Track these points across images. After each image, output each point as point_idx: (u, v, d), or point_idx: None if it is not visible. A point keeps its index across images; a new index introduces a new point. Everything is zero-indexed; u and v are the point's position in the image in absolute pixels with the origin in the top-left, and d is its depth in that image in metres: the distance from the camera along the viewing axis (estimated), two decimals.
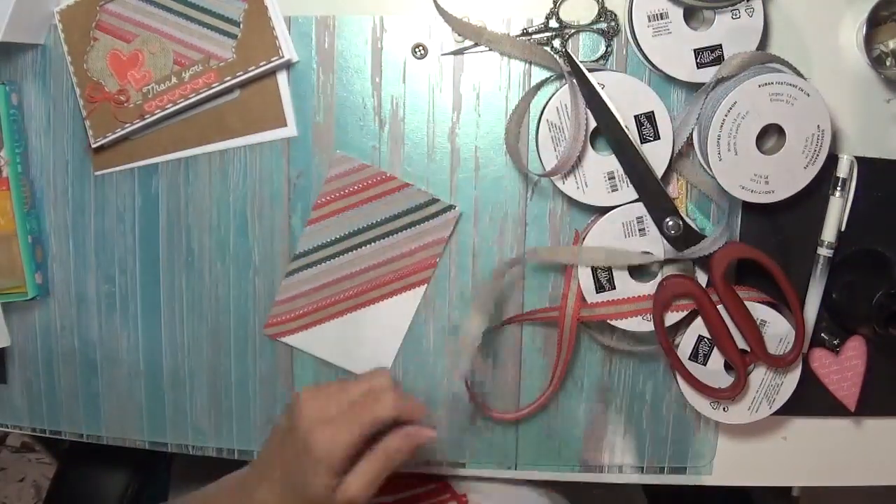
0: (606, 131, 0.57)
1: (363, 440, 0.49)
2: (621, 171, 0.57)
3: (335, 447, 0.48)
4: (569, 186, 0.58)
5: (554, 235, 0.62)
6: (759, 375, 0.59)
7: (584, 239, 0.59)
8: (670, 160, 0.58)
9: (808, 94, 0.54)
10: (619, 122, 0.56)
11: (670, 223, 0.57)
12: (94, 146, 0.63)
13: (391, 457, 0.51)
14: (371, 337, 0.64)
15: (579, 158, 0.57)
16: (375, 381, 0.52)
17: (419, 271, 0.63)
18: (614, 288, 0.59)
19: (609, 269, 0.59)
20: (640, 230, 0.58)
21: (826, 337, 0.62)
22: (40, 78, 0.64)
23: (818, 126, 0.54)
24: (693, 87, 0.59)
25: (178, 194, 0.64)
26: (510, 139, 0.60)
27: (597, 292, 0.59)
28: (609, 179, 0.58)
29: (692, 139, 0.58)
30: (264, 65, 0.60)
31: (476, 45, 0.60)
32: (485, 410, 0.63)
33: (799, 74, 0.56)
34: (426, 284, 0.63)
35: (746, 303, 0.58)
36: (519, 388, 0.64)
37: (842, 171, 0.59)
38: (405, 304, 0.63)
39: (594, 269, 0.59)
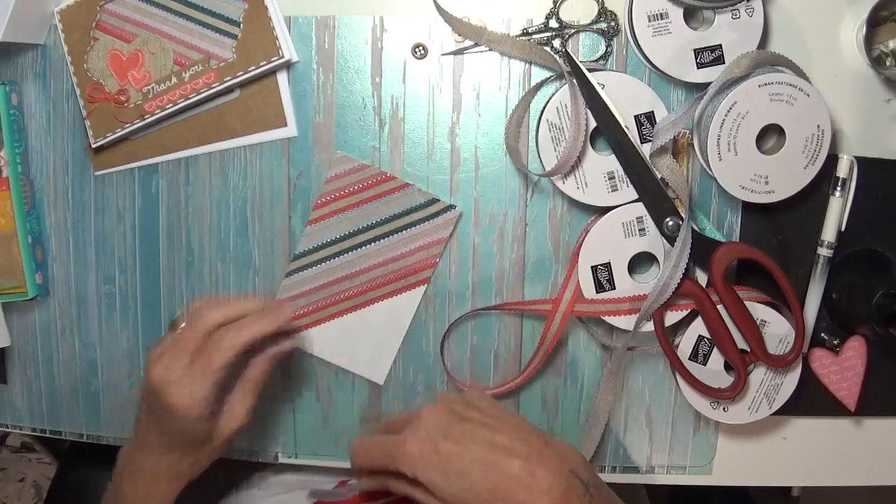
0: (606, 131, 0.57)
1: (219, 384, 0.54)
2: (621, 171, 0.57)
3: (194, 402, 0.53)
4: (569, 186, 0.58)
5: (554, 235, 0.62)
6: (759, 375, 0.59)
7: (584, 239, 0.59)
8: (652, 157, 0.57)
9: (808, 94, 0.54)
10: (619, 122, 0.56)
11: (670, 223, 0.57)
12: (94, 146, 0.63)
13: (261, 380, 0.58)
14: (371, 337, 0.64)
15: (579, 158, 0.57)
16: (208, 320, 0.55)
17: (419, 271, 0.63)
18: (614, 288, 0.59)
19: (609, 269, 0.59)
20: (640, 230, 0.58)
21: (826, 337, 0.62)
22: (40, 78, 0.64)
23: (818, 126, 0.54)
24: (693, 87, 0.59)
25: (178, 194, 0.64)
26: (510, 139, 0.60)
27: (597, 292, 0.59)
28: (609, 179, 0.58)
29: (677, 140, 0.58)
30: (264, 65, 0.60)
31: (476, 45, 0.60)
32: (461, 388, 0.64)
33: (803, 75, 0.56)
34: (426, 284, 0.63)
35: (746, 303, 0.58)
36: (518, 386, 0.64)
37: (842, 171, 0.59)
38: (405, 304, 0.63)
39: (594, 269, 0.59)
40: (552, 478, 0.48)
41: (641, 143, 0.57)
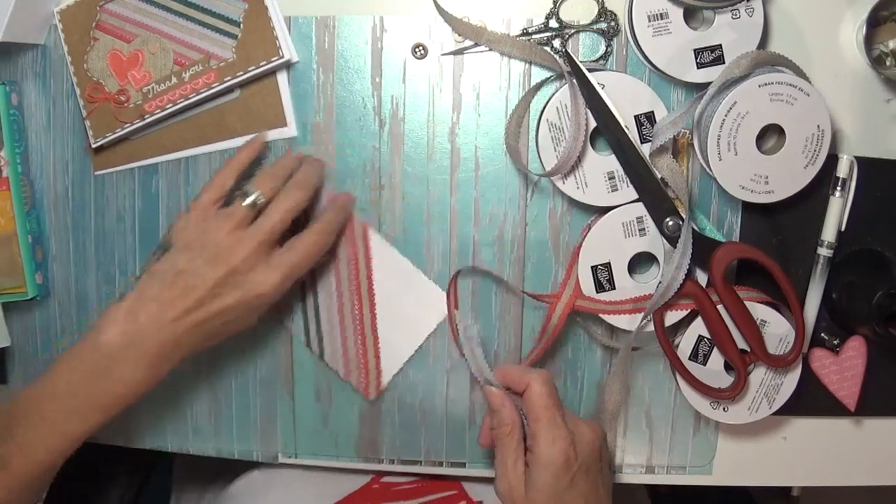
0: (606, 131, 0.57)
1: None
2: (621, 170, 0.57)
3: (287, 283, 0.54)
4: (569, 186, 0.58)
5: (554, 235, 0.62)
6: (759, 375, 0.59)
7: (584, 239, 0.59)
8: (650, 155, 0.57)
9: (808, 94, 0.54)
10: (619, 122, 0.56)
11: (670, 223, 0.57)
12: (94, 146, 0.63)
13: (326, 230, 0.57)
14: (407, 314, 0.64)
15: (579, 158, 0.57)
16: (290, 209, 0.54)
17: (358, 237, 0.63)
18: (614, 288, 0.59)
19: (609, 269, 0.59)
20: (640, 230, 0.58)
21: (826, 337, 0.62)
22: (40, 78, 0.64)
23: (818, 126, 0.54)
24: (693, 87, 0.59)
25: (178, 194, 0.64)
26: (510, 139, 0.60)
27: (597, 292, 0.59)
28: (609, 179, 0.58)
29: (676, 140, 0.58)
30: (264, 65, 0.60)
31: (476, 45, 0.60)
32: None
33: (803, 75, 0.56)
34: (370, 229, 0.63)
35: (746, 303, 0.58)
36: None
37: (842, 171, 0.59)
38: (385, 255, 0.63)
39: (594, 269, 0.59)
40: None
41: (641, 143, 0.57)
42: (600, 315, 0.59)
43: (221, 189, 0.55)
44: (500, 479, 0.54)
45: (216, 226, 0.51)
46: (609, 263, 0.59)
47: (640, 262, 0.60)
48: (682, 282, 0.57)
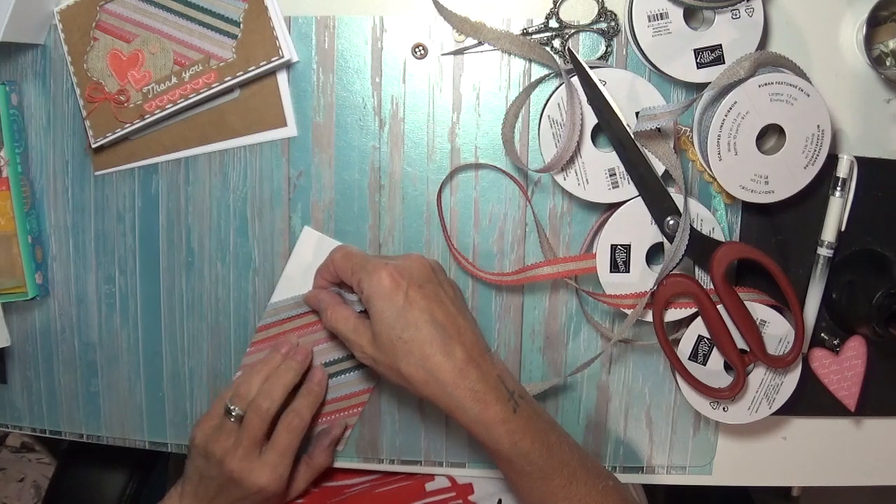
0: (607, 128, 0.57)
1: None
2: (622, 167, 0.57)
3: (281, 480, 0.59)
4: (570, 183, 0.58)
5: (554, 235, 0.62)
6: (758, 375, 0.59)
7: (608, 220, 0.58)
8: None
9: (808, 94, 0.54)
10: (620, 119, 0.56)
11: (671, 222, 0.57)
12: (94, 146, 0.63)
13: (324, 466, 0.65)
14: None
15: (580, 155, 0.57)
16: (269, 406, 0.59)
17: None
18: (628, 271, 0.58)
19: (628, 252, 0.58)
20: None
21: (826, 337, 0.62)
22: (40, 78, 0.64)
23: (818, 126, 0.54)
24: (693, 87, 0.59)
25: (178, 194, 0.64)
26: (506, 129, 0.59)
27: (610, 271, 0.59)
28: (610, 176, 0.58)
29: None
30: (264, 65, 0.60)
31: (476, 44, 0.60)
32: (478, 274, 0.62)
33: (803, 75, 0.56)
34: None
35: (746, 303, 0.58)
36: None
37: (842, 171, 0.59)
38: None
39: (613, 248, 0.58)
40: (481, 378, 0.52)
41: None
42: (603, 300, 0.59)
43: (223, 403, 0.61)
44: (354, 349, 0.56)
45: (214, 439, 0.59)
46: (629, 246, 0.58)
47: (659, 254, 0.60)
48: (679, 265, 0.56)
